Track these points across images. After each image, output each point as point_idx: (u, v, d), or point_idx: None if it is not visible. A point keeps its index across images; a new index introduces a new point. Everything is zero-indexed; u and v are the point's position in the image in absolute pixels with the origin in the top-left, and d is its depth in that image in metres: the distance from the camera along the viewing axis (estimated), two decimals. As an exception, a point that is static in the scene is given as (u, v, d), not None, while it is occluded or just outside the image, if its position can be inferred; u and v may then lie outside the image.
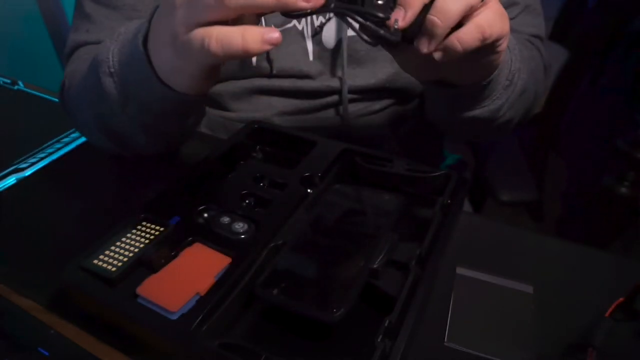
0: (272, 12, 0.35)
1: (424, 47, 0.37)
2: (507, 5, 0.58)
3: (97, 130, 0.53)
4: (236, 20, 0.36)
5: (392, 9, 0.37)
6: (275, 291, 0.38)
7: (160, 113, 0.47)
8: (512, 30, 0.58)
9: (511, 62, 0.49)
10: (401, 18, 0.36)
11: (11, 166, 0.62)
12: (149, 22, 0.42)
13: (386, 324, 0.35)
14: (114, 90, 0.46)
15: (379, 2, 0.36)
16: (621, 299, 0.42)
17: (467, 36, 0.37)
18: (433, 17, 0.36)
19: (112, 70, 0.45)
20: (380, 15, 0.36)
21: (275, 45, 0.35)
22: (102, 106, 0.48)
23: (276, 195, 0.49)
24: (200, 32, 0.36)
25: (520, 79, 0.50)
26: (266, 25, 0.58)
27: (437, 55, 0.38)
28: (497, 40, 0.39)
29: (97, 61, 0.47)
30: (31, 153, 0.65)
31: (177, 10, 0.37)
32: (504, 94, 0.49)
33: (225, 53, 0.35)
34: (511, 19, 0.58)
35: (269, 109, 0.64)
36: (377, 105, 0.65)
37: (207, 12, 0.35)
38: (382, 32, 0.36)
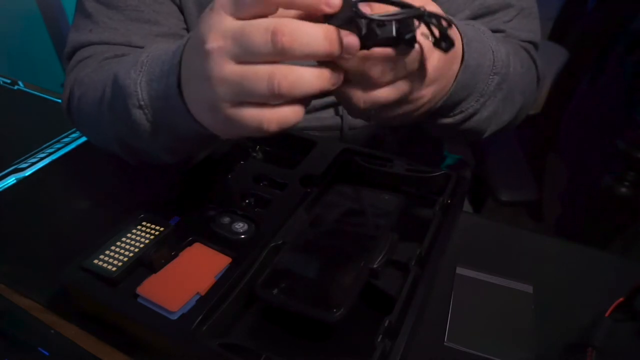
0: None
1: None
2: (501, 8, 0.57)
3: (114, 144, 0.52)
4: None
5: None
6: (275, 291, 0.38)
7: (193, 141, 0.46)
8: (507, 35, 0.58)
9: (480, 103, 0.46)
10: None
11: (11, 166, 0.62)
12: (179, 64, 0.38)
13: (386, 324, 0.35)
14: (144, 121, 0.44)
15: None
16: (621, 299, 0.43)
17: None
18: None
19: (141, 103, 0.43)
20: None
21: None
22: (127, 131, 0.47)
23: (276, 195, 0.49)
24: (255, 116, 0.33)
25: (485, 109, 0.48)
26: None
27: None
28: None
29: (123, 90, 0.44)
30: (31, 153, 0.65)
31: (217, 86, 0.33)
32: (458, 117, 0.47)
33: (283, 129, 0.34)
34: (507, 21, 0.58)
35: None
36: (377, 105, 0.65)
37: (262, 99, 0.32)
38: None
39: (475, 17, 0.58)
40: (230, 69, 0.32)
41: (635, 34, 1.80)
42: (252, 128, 0.34)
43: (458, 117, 0.47)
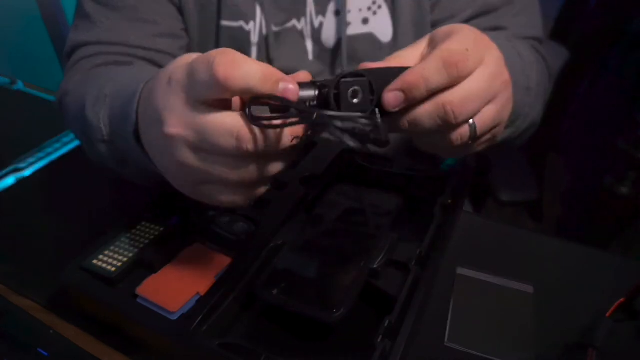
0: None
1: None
2: (504, 4, 0.57)
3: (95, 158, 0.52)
4: None
5: (372, 102, 0.33)
6: (275, 291, 0.38)
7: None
8: (510, 32, 0.58)
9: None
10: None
11: (11, 166, 0.62)
12: (136, 112, 0.37)
13: (386, 324, 0.35)
14: (110, 155, 0.45)
15: (355, 101, 0.32)
16: (622, 299, 0.42)
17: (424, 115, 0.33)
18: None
19: (106, 138, 0.43)
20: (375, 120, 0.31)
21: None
22: (101, 159, 0.48)
23: (276, 195, 0.49)
24: (225, 197, 0.34)
25: (526, 120, 0.49)
26: (267, 23, 0.57)
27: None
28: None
29: (90, 123, 0.44)
30: (31, 153, 0.65)
31: (177, 167, 0.33)
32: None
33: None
34: (510, 19, 0.58)
35: (269, 109, 0.64)
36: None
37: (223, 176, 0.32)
38: (372, 136, 0.31)
39: (478, 16, 0.58)
40: (192, 159, 0.32)
41: (635, 34, 1.80)
42: (223, 204, 0.34)
43: (519, 123, 0.48)
